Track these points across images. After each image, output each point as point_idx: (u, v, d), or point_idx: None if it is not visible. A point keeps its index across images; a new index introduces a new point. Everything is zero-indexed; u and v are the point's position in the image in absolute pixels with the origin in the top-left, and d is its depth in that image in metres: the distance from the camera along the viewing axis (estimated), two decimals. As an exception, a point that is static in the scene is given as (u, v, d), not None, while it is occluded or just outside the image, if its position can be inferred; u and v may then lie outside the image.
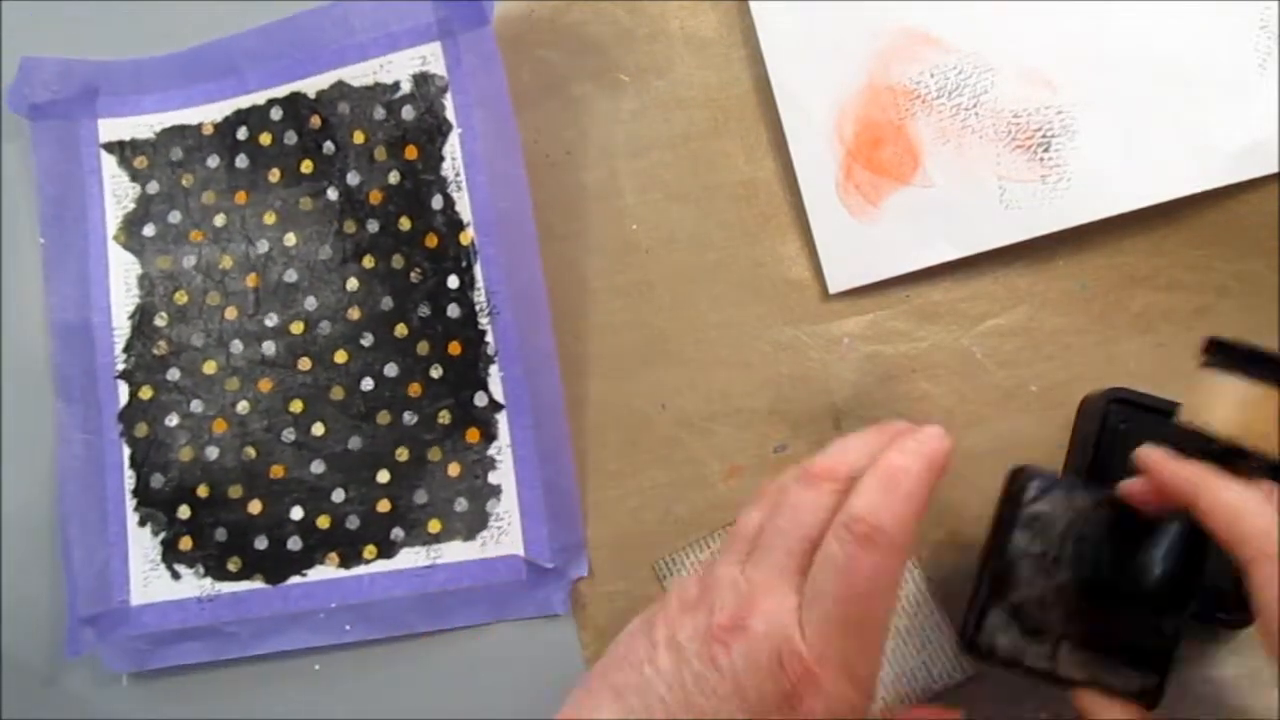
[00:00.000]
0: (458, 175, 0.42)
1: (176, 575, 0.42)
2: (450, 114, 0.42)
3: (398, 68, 0.43)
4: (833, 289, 0.41)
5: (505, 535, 0.41)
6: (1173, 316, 0.40)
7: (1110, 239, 0.40)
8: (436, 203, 0.42)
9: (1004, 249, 0.40)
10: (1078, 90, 0.40)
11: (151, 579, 0.42)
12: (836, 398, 0.41)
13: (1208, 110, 0.39)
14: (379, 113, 0.43)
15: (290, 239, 0.43)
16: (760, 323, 0.42)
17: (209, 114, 0.44)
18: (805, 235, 0.42)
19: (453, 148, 0.42)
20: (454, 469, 0.41)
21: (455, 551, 0.41)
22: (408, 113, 0.42)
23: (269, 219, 0.43)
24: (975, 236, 0.40)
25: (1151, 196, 0.39)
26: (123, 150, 0.44)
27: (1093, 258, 0.41)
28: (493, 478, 0.41)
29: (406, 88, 0.42)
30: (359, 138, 0.43)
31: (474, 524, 0.41)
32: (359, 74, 0.43)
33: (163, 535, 0.42)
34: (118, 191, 0.44)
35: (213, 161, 0.44)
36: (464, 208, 0.42)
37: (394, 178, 0.42)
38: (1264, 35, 0.39)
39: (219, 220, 0.44)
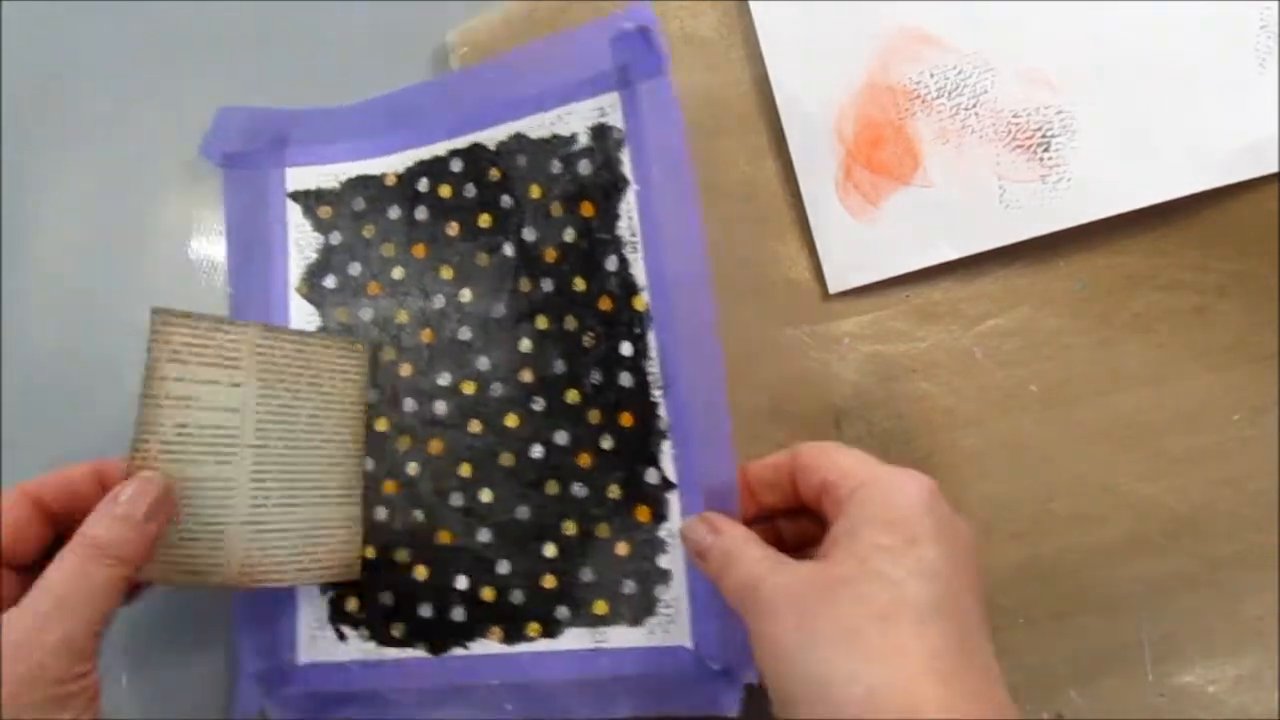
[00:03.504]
0: (633, 236, 0.40)
1: (342, 636, 0.41)
2: (627, 169, 0.40)
3: (576, 119, 0.41)
4: (833, 289, 0.41)
5: (674, 624, 0.38)
6: (1173, 316, 0.40)
7: (1110, 239, 0.40)
8: (611, 264, 0.40)
9: (1004, 249, 0.40)
10: (1078, 90, 0.40)
11: (318, 638, 0.41)
12: (836, 398, 0.41)
13: (1208, 110, 0.39)
14: (555, 166, 0.41)
15: (466, 295, 0.42)
16: (760, 323, 0.42)
17: (392, 165, 0.43)
18: (805, 235, 0.42)
19: (629, 205, 0.40)
20: (622, 548, 0.39)
21: (621, 636, 0.39)
22: (584, 167, 0.41)
23: (445, 274, 0.42)
24: (975, 236, 0.40)
25: (1151, 196, 0.39)
26: (308, 200, 0.43)
27: (1093, 258, 0.41)
28: (662, 561, 0.39)
29: (584, 140, 0.41)
30: (535, 192, 0.41)
31: (641, 609, 0.39)
32: (537, 125, 0.41)
33: (330, 594, 0.41)
34: (301, 241, 0.43)
35: (393, 213, 0.43)
36: (639, 270, 0.40)
37: (569, 235, 0.41)
38: (1264, 35, 0.39)
39: (397, 273, 0.42)
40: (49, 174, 0.46)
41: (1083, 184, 0.39)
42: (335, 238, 0.43)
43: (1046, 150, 0.40)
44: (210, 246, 0.45)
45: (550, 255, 0.41)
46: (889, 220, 0.41)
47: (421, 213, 0.42)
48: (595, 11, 0.43)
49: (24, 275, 0.45)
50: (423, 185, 0.42)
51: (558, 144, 0.41)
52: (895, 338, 0.41)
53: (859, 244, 0.41)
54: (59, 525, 0.33)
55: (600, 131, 0.41)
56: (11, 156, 0.46)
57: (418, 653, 0.40)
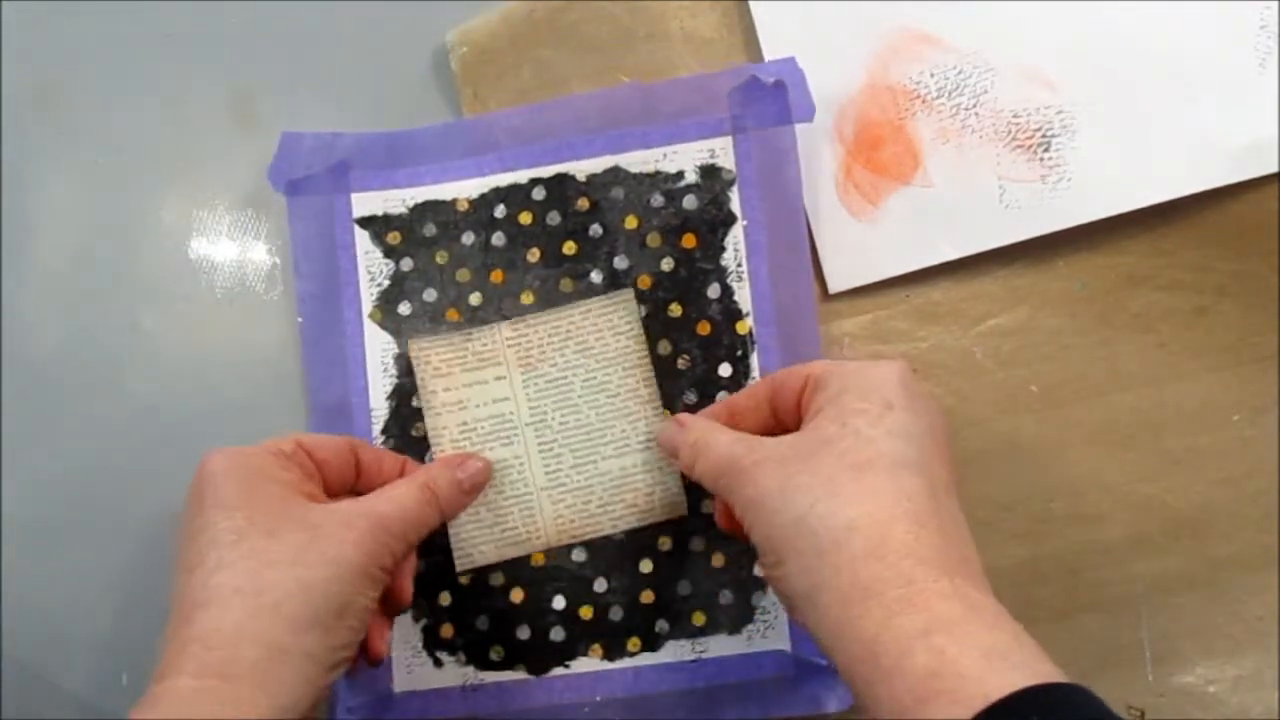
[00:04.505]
0: (739, 266, 0.41)
1: (439, 663, 0.41)
2: (735, 206, 0.41)
3: (682, 158, 0.41)
4: (833, 289, 0.41)
5: (771, 629, 0.40)
6: (1173, 316, 0.40)
7: (1110, 239, 0.40)
8: (713, 291, 0.41)
9: (1004, 249, 0.40)
10: (1078, 90, 0.40)
11: (414, 666, 0.41)
12: (836, 398, 0.41)
13: (1208, 110, 0.39)
14: (656, 199, 0.41)
15: None
16: (760, 323, 0.42)
17: (464, 190, 0.42)
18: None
19: (735, 238, 0.41)
20: (717, 560, 0.40)
21: (720, 645, 0.40)
22: (689, 202, 0.41)
23: (527, 299, 0.42)
24: (975, 236, 0.40)
25: (1151, 196, 0.39)
26: (375, 225, 0.43)
27: (1093, 258, 0.41)
28: (758, 570, 0.38)
29: (691, 178, 0.41)
30: (630, 223, 0.41)
31: (739, 617, 0.40)
32: (638, 161, 0.41)
33: (424, 622, 0.41)
34: (372, 268, 0.43)
35: (468, 239, 0.42)
36: (743, 297, 0.41)
37: (667, 264, 0.41)
38: (1264, 35, 0.39)
39: (475, 299, 0.42)
40: (49, 174, 0.46)
41: (1083, 184, 0.39)
42: (407, 264, 0.42)
43: (1046, 150, 0.40)
44: (210, 246, 0.45)
45: (644, 282, 0.41)
46: (889, 220, 0.41)
47: (499, 239, 0.42)
48: (595, 12, 0.43)
49: (24, 275, 0.45)
50: (499, 212, 0.42)
51: (661, 179, 0.41)
52: (895, 338, 0.41)
53: (859, 244, 0.41)
54: (357, 483, 0.38)
55: (709, 171, 0.41)
56: (11, 156, 0.46)
57: (518, 674, 0.40)
